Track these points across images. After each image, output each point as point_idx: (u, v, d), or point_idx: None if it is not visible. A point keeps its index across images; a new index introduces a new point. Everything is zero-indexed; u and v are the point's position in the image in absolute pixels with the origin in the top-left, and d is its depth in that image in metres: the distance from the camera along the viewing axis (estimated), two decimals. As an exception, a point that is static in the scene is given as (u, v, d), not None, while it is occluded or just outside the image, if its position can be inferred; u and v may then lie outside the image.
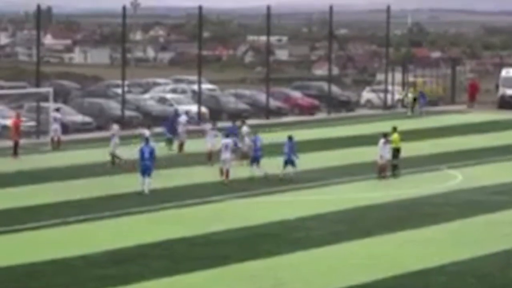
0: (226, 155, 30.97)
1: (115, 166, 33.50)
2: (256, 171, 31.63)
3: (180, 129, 37.38)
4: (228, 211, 27.13)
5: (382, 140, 31.88)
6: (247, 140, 34.00)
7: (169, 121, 38.51)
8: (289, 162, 31.43)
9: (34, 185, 30.61)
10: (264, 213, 26.56)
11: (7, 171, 33.34)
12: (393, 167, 32.10)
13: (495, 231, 24.81)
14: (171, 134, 37.63)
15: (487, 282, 20.17)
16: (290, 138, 31.93)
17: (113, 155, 33.95)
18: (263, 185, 30.64)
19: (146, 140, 30.11)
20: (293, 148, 31.69)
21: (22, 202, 27.74)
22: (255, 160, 31.94)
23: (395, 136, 32.51)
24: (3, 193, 29.46)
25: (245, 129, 34.86)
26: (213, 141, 34.22)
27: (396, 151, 32.15)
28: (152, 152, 29.27)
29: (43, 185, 30.67)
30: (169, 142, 37.53)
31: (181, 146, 37.19)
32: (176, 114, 39.31)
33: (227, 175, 30.91)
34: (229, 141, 31.66)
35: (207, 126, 36.01)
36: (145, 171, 28.98)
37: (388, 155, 31.81)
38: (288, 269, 20.71)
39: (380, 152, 31.63)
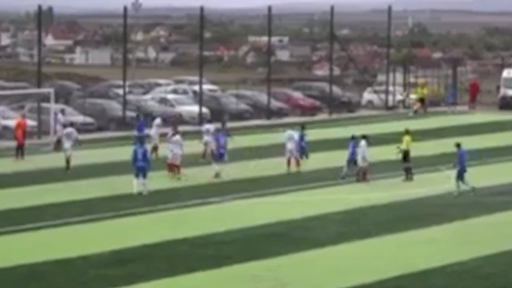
0: (178, 150, 31.65)
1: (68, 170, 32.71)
2: (216, 168, 31.91)
3: (153, 132, 36.09)
4: (230, 212, 27.12)
5: (363, 142, 31.72)
6: (206, 138, 34.34)
7: (140, 123, 37.12)
8: (351, 161, 31.82)
9: (36, 185, 30.59)
10: (266, 214, 26.53)
11: (9, 171, 33.34)
12: (407, 169, 31.90)
13: (497, 232, 24.78)
14: (141, 133, 36.00)
15: (489, 283, 20.14)
16: (353, 137, 32.46)
17: (68, 160, 33.02)
18: (265, 186, 30.64)
19: (140, 141, 30.00)
20: (355, 148, 32.02)
21: (24, 202, 27.72)
22: (217, 157, 32.26)
23: (406, 138, 32.37)
24: (5, 193, 29.46)
25: (207, 127, 35.01)
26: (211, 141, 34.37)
27: (406, 154, 31.98)
28: (145, 154, 29.08)
29: (45, 185, 30.66)
30: (138, 142, 36.09)
31: (154, 149, 35.30)
32: (142, 116, 38.43)
33: (178, 169, 31.59)
34: (178, 138, 32.17)
35: (209, 126, 35.71)
36: (139, 173, 28.79)
37: (367, 157, 31.55)
38: (290, 270, 20.69)
39: (362, 155, 31.38)
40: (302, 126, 35.34)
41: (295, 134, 33.54)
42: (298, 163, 33.09)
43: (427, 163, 35.31)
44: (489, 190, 30.67)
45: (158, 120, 37.03)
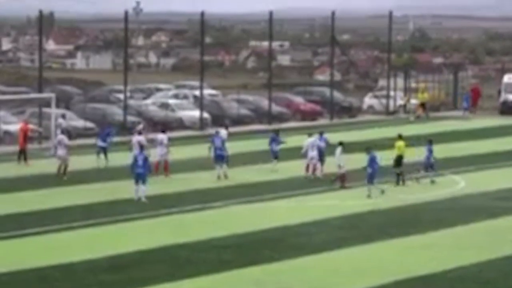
0: (163, 150, 32.89)
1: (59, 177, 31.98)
2: (218, 170, 32.29)
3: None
4: (230, 217, 27.16)
5: (339, 149, 31.50)
6: (217, 143, 34.65)
7: (105, 131, 36.48)
8: (429, 166, 32.16)
9: (37, 190, 30.65)
10: (266, 219, 26.58)
11: (11, 176, 33.39)
12: (397, 175, 31.99)
13: (498, 237, 24.80)
14: (104, 144, 35.36)
15: (490, 288, 20.18)
16: (430, 141, 32.68)
17: (65, 167, 32.33)
18: (265, 191, 30.67)
19: (141, 147, 30.02)
20: (432, 152, 32.31)
21: (25, 207, 27.78)
22: (217, 159, 32.52)
23: (400, 143, 32.43)
24: (7, 198, 29.53)
25: (222, 132, 35.31)
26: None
27: (399, 159, 32.03)
28: (145, 160, 29.02)
29: (46, 190, 30.72)
30: (102, 152, 35.31)
31: None
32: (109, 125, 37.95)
33: (166, 168, 32.63)
34: (163, 136, 33.13)
35: (222, 131, 35.84)
36: (139, 179, 28.73)
37: (344, 163, 31.46)
38: (290, 274, 20.71)
39: (337, 162, 31.26)
40: (226, 127, 36.03)
41: (318, 141, 33.16)
42: (315, 169, 32.93)
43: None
44: (490, 195, 30.69)
45: (141, 126, 36.91)
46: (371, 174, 29.85)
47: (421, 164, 32.55)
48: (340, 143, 31.84)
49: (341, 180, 31.36)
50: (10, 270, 20.65)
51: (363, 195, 30.22)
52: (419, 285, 20.18)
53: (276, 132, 35.55)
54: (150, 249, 22.74)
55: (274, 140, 34.73)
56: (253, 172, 34.41)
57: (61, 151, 32.83)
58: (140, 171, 28.68)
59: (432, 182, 32.24)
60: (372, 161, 30.00)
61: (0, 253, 22.54)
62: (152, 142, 33.87)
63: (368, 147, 31.03)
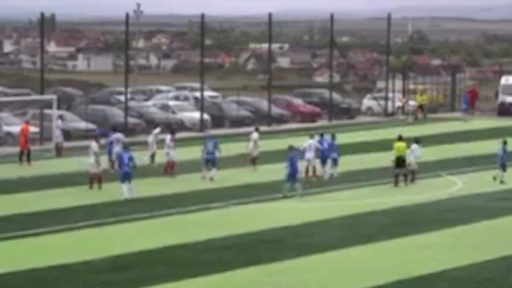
0: (167, 150, 33.50)
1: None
2: (203, 171, 32.65)
3: (151, 139, 35.82)
4: (230, 217, 27.33)
5: (415, 145, 32.13)
6: (251, 144, 35.00)
7: (105, 133, 36.47)
8: (502, 165, 32.50)
9: (37, 191, 30.82)
10: (266, 219, 26.72)
11: (11, 177, 33.58)
12: (404, 176, 32.09)
13: (497, 237, 24.93)
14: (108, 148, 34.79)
15: (488, 288, 20.37)
16: (505, 142, 32.91)
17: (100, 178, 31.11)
18: (265, 192, 30.88)
19: (125, 146, 30.12)
20: (506, 152, 32.67)
21: (26, 208, 27.93)
22: (206, 162, 32.78)
23: (400, 144, 32.61)
24: (7, 199, 29.68)
25: (254, 135, 35.47)
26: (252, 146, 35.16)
27: (401, 160, 32.19)
28: (131, 159, 29.10)
29: (46, 191, 30.88)
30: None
31: (152, 157, 35.35)
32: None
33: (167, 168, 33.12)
34: (168, 137, 33.61)
35: (255, 134, 36.03)
36: (125, 178, 28.86)
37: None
38: (290, 275, 20.82)
39: (413, 156, 32.08)
40: (256, 128, 36.15)
41: (316, 143, 33.01)
42: (314, 170, 32.97)
43: (426, 169, 35.53)
44: (489, 196, 30.85)
45: (158, 130, 37.16)
46: (292, 174, 29.61)
47: (497, 164, 32.75)
48: (416, 141, 32.49)
49: (412, 175, 31.83)
50: (10, 271, 20.74)
51: (363, 196, 30.44)
52: (417, 285, 20.26)
53: (321, 134, 34.14)
54: (150, 249, 22.83)
55: (321, 143, 33.65)
56: (253, 172, 34.61)
57: (93, 159, 31.20)
58: (126, 170, 28.79)
59: (494, 178, 32.50)
60: (293, 159, 29.68)
61: (1, 253, 22.67)
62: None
63: (290, 145, 30.64)
